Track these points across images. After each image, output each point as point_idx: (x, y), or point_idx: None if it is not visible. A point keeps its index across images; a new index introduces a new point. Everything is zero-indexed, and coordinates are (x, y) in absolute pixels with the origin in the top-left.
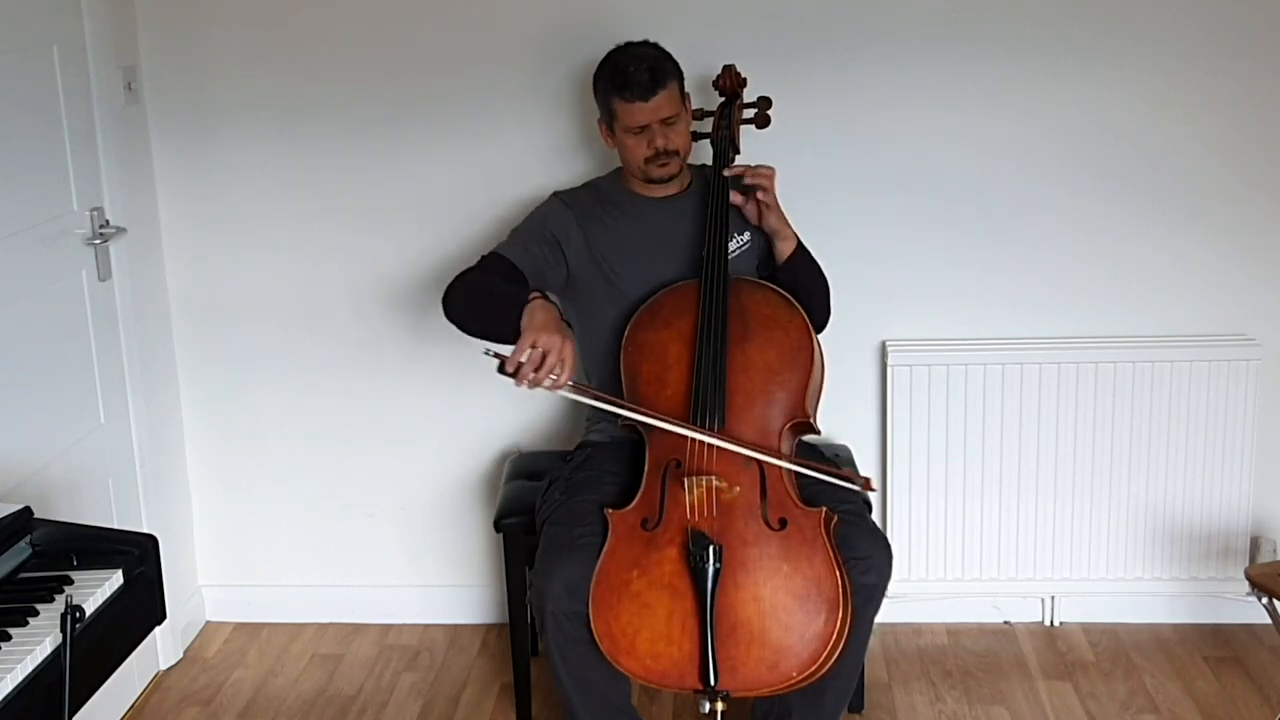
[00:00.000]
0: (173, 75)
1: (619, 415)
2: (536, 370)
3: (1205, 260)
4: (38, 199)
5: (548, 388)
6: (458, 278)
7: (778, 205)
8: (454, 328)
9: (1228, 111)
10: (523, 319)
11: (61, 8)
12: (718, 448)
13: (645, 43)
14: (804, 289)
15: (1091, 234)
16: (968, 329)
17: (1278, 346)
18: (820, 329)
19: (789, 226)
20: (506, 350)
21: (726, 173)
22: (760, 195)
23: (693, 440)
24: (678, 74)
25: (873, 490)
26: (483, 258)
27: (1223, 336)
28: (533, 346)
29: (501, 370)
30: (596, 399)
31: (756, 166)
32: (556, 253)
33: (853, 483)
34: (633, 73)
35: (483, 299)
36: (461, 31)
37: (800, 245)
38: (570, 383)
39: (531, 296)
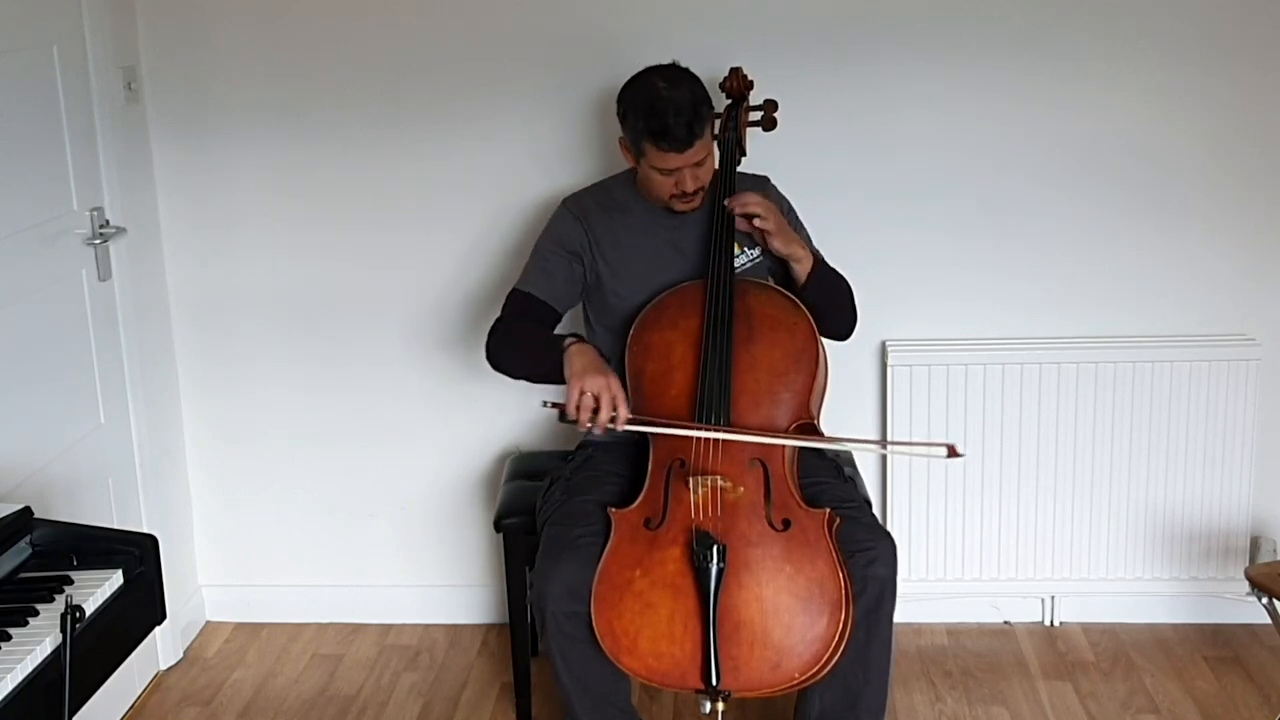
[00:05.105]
0: (173, 75)
1: (682, 435)
2: (595, 413)
3: (1205, 260)
4: (38, 199)
5: (612, 426)
6: (492, 331)
7: (781, 230)
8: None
9: (1227, 112)
10: (564, 368)
11: (61, 8)
12: (721, 448)
13: (676, 72)
14: (825, 306)
15: (1091, 234)
16: (968, 329)
17: (1278, 346)
18: (846, 336)
19: (801, 248)
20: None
21: (728, 206)
22: (757, 223)
23: (699, 440)
24: (711, 114)
25: (960, 455)
26: (508, 297)
27: (1223, 336)
28: (581, 393)
29: (563, 419)
30: (659, 426)
31: (743, 202)
32: (577, 265)
33: (936, 450)
34: (672, 125)
35: (523, 354)
36: (464, 32)
37: (816, 264)
38: (629, 416)
39: (567, 344)
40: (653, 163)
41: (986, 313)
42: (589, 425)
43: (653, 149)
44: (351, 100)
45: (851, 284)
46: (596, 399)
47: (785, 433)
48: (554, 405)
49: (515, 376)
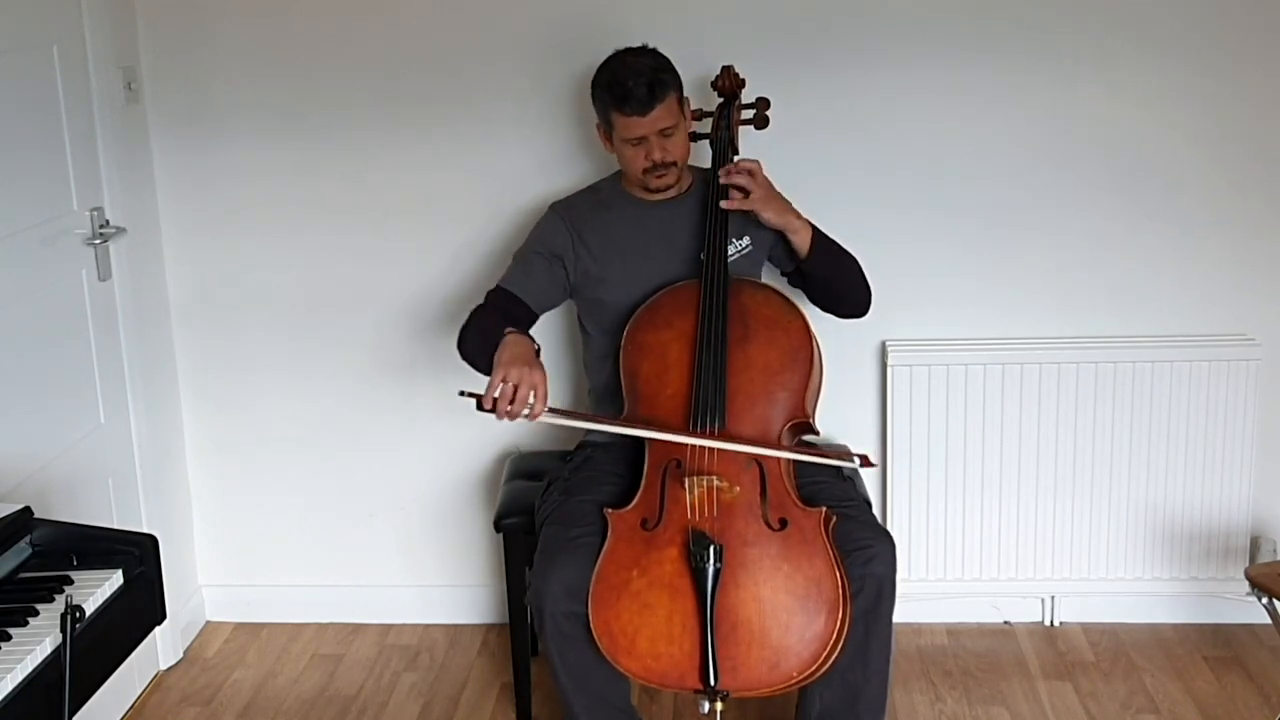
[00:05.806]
0: (173, 75)
1: (599, 430)
2: (511, 403)
3: (1205, 260)
4: (38, 199)
5: (526, 417)
6: (466, 321)
7: (772, 199)
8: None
9: (1226, 113)
10: (495, 355)
11: (61, 8)
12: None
13: (644, 49)
14: (834, 276)
15: (1091, 234)
16: (968, 329)
17: (1278, 346)
18: (865, 309)
19: (796, 217)
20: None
21: (723, 205)
22: (741, 194)
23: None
24: (676, 84)
25: (871, 465)
26: (488, 294)
27: (1223, 336)
28: (503, 381)
29: (480, 408)
30: (578, 419)
31: (732, 165)
32: (558, 268)
33: (847, 461)
34: (631, 87)
35: (475, 343)
36: (462, 33)
37: (816, 232)
38: (547, 409)
39: (506, 332)
40: (621, 133)
41: (987, 313)
42: (504, 416)
43: (618, 116)
44: (352, 100)
45: None
46: (516, 389)
47: (702, 433)
48: (469, 394)
49: (474, 366)
